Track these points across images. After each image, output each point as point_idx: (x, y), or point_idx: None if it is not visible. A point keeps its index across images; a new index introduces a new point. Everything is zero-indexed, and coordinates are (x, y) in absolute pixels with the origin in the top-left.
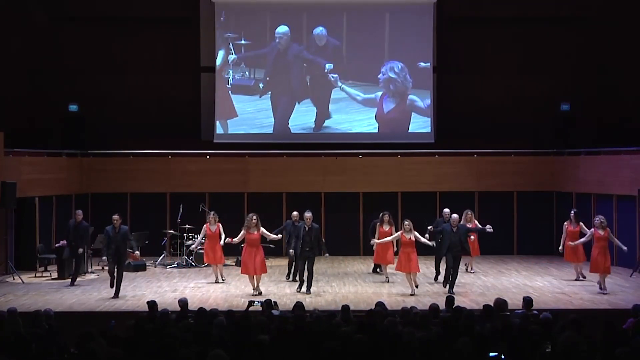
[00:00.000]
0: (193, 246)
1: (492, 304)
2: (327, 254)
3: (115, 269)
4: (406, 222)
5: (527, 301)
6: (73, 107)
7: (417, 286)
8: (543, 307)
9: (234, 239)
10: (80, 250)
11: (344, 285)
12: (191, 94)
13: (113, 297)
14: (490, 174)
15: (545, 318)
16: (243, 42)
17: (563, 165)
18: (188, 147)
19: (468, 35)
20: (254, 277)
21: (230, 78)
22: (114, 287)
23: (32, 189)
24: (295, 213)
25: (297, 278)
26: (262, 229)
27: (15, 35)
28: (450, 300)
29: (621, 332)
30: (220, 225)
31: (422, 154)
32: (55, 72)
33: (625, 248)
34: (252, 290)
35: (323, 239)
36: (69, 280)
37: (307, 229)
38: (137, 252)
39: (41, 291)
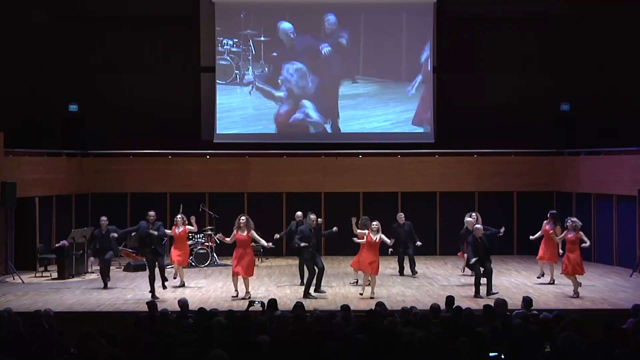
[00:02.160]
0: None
1: (492, 304)
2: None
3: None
4: (374, 223)
5: (527, 301)
6: (73, 107)
7: (368, 288)
8: (543, 307)
9: (226, 238)
10: (111, 253)
11: (344, 285)
12: (191, 94)
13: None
14: (490, 174)
15: (545, 318)
16: (262, 38)
17: (563, 165)
18: (188, 147)
19: (468, 35)
20: (238, 277)
21: (250, 75)
22: (162, 281)
23: (32, 189)
24: (299, 213)
25: (309, 281)
26: (252, 232)
27: (15, 35)
28: (450, 300)
29: (621, 332)
30: (189, 226)
31: (422, 154)
32: (55, 72)
33: (587, 244)
34: (234, 292)
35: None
36: (68, 279)
37: (312, 230)
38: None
39: (41, 291)
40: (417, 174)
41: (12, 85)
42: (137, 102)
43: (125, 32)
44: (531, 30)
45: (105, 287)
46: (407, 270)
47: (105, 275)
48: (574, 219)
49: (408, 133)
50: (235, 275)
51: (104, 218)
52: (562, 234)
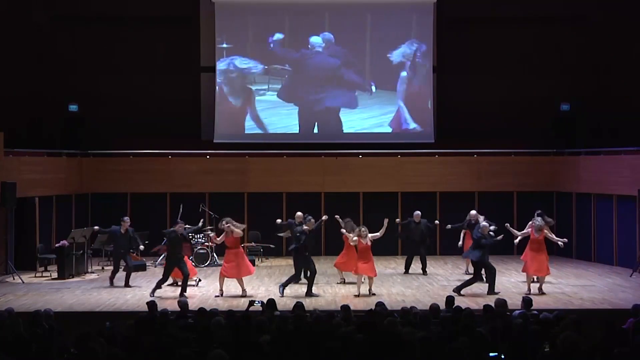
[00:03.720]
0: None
1: (492, 304)
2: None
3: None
4: (363, 228)
5: (527, 301)
6: (73, 107)
7: (373, 294)
8: (543, 307)
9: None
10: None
11: (344, 285)
12: (191, 94)
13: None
14: (490, 174)
15: (545, 318)
16: (225, 45)
17: (563, 165)
18: (188, 147)
19: (468, 35)
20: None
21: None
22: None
23: (32, 189)
24: (299, 214)
25: (307, 280)
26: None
27: (15, 35)
28: (450, 300)
29: (621, 332)
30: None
31: (422, 154)
32: (55, 72)
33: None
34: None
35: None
36: (68, 279)
37: (309, 233)
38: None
39: (41, 291)
40: (417, 174)
41: (12, 85)
42: (137, 102)
43: (125, 32)
44: (531, 30)
45: (128, 284)
46: (412, 269)
47: (129, 276)
48: (538, 219)
49: (408, 133)
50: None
51: (126, 218)
52: (524, 231)
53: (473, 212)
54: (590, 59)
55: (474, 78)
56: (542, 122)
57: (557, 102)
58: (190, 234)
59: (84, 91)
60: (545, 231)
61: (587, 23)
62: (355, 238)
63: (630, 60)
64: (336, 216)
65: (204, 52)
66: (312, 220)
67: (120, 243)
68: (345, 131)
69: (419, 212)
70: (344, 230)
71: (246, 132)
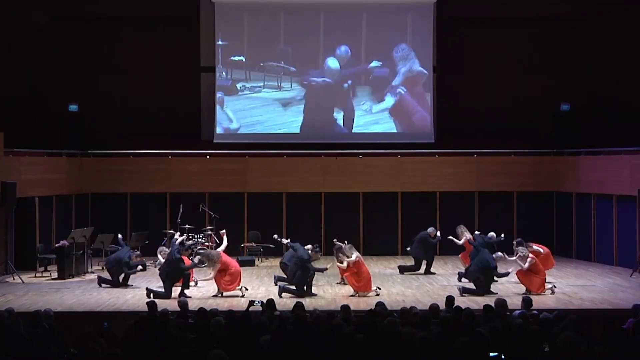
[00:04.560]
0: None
1: (492, 304)
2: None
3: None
4: (347, 246)
5: (527, 301)
6: (73, 107)
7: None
8: (543, 307)
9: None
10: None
11: (344, 285)
12: (191, 94)
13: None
14: (490, 174)
15: (545, 318)
16: (221, 42)
17: (563, 165)
18: (188, 147)
19: (468, 35)
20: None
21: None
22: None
23: (32, 189)
24: (309, 246)
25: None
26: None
27: (15, 35)
28: (450, 300)
29: (621, 332)
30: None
31: (422, 154)
32: (55, 72)
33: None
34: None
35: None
36: (68, 279)
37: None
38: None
39: (41, 291)
40: (417, 174)
41: (12, 85)
42: (137, 102)
43: (125, 32)
44: (531, 30)
45: (126, 284)
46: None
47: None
48: (520, 248)
49: (408, 133)
50: None
51: (137, 252)
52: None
53: (492, 233)
54: (590, 59)
55: (474, 78)
56: (542, 122)
57: (557, 102)
58: (190, 236)
59: (84, 91)
60: (530, 256)
61: (587, 23)
62: (344, 264)
63: (630, 60)
64: (334, 240)
65: (204, 52)
66: (319, 252)
67: (122, 261)
68: (338, 131)
69: (434, 229)
70: (339, 264)
71: (233, 131)
